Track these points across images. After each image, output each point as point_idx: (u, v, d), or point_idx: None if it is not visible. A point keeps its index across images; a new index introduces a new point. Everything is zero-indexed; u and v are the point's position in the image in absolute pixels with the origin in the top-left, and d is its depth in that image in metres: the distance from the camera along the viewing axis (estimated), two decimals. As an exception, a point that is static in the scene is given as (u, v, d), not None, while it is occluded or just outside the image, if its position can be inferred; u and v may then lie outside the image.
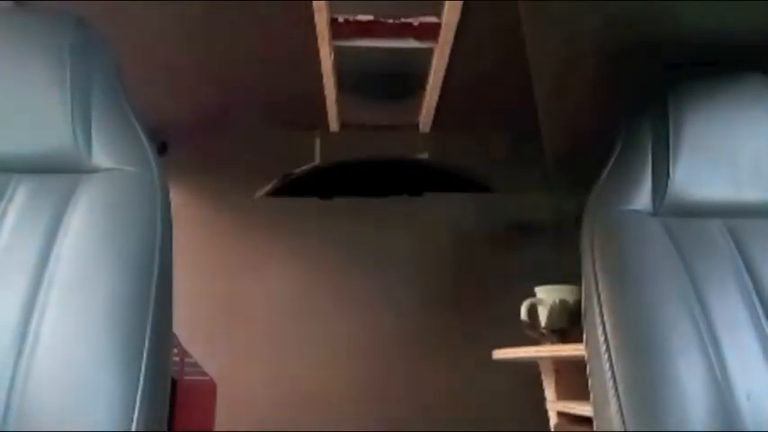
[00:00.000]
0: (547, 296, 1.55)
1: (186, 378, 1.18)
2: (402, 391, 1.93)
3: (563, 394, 1.61)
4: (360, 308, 2.00)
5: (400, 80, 1.75)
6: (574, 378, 1.54)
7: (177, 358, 1.17)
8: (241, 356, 2.00)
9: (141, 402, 0.70)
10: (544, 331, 1.55)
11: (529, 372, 1.70)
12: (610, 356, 0.85)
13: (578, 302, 0.97)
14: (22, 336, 0.72)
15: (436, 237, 2.02)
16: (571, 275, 1.00)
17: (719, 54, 1.02)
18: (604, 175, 1.01)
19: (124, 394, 0.69)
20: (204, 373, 1.38)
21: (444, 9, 1.38)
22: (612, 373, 0.83)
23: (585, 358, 0.91)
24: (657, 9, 0.95)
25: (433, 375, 1.95)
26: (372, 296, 1.99)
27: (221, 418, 1.57)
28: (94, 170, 0.83)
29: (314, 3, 1.32)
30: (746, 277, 0.90)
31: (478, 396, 1.91)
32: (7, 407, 0.69)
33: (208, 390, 1.22)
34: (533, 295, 1.60)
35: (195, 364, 1.28)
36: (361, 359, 1.96)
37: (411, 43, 1.50)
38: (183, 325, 0.93)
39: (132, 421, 0.69)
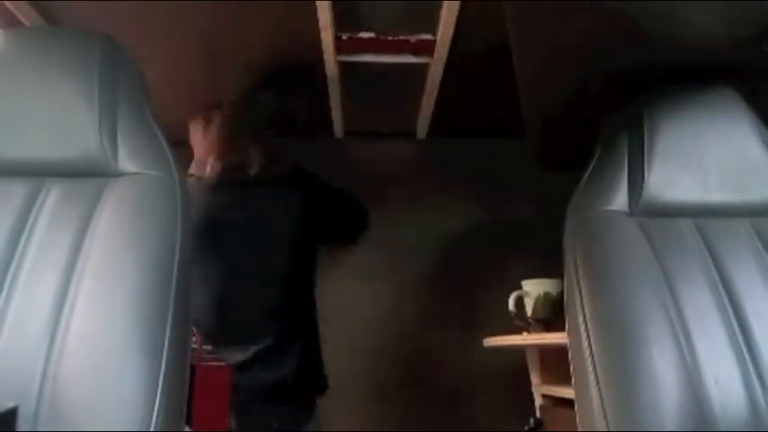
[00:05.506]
0: (532, 289, 1.55)
1: (203, 364, 1.18)
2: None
3: (547, 378, 1.61)
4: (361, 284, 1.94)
5: (399, 91, 1.76)
6: (557, 364, 1.54)
7: (195, 345, 1.17)
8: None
9: (163, 387, 0.70)
10: (530, 321, 1.55)
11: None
12: (590, 344, 0.85)
13: (561, 295, 0.97)
14: (55, 325, 0.72)
15: (434, 236, 2.01)
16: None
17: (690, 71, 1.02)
18: (585, 178, 1.02)
19: (148, 379, 0.70)
20: (220, 359, 1.39)
21: (439, 27, 1.38)
22: (592, 359, 0.84)
23: (568, 346, 0.92)
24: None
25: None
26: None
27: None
28: (120, 174, 0.84)
29: (320, 22, 1.32)
30: (714, 271, 0.91)
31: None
32: (41, 391, 0.70)
33: (224, 374, 1.23)
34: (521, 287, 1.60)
35: (212, 351, 1.28)
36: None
37: (409, 58, 1.50)
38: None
39: (155, 405, 0.69)
